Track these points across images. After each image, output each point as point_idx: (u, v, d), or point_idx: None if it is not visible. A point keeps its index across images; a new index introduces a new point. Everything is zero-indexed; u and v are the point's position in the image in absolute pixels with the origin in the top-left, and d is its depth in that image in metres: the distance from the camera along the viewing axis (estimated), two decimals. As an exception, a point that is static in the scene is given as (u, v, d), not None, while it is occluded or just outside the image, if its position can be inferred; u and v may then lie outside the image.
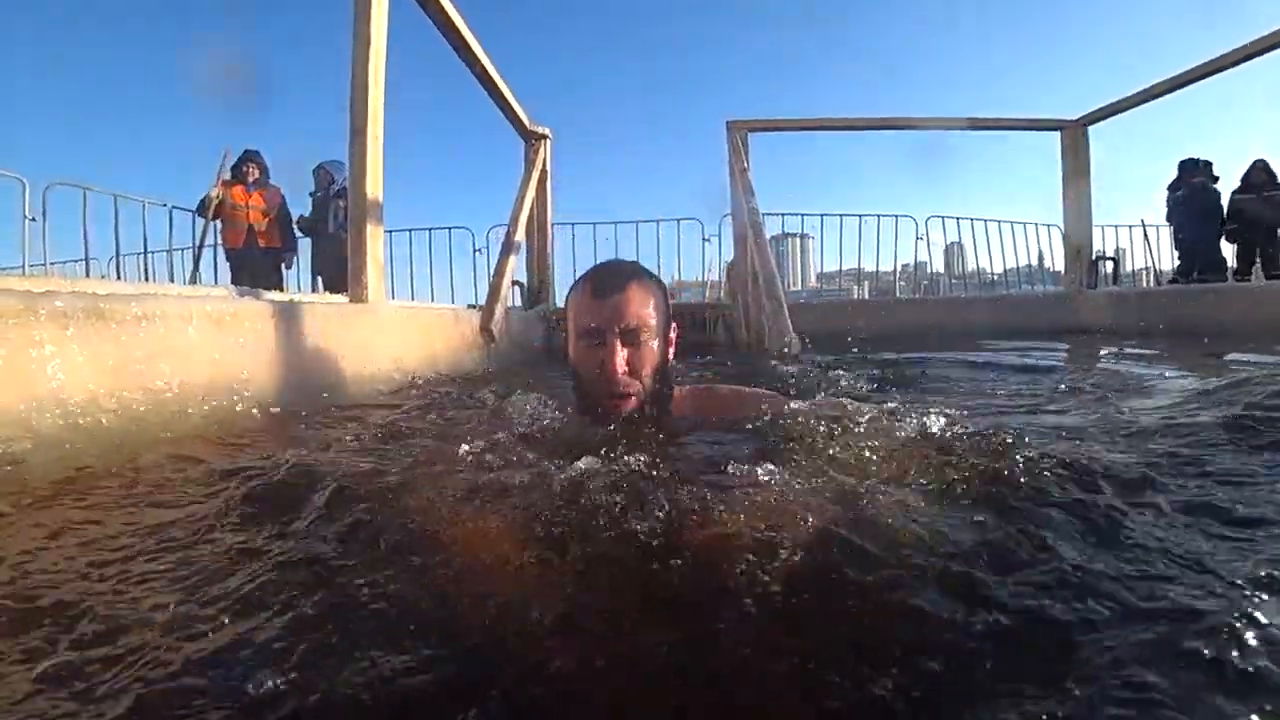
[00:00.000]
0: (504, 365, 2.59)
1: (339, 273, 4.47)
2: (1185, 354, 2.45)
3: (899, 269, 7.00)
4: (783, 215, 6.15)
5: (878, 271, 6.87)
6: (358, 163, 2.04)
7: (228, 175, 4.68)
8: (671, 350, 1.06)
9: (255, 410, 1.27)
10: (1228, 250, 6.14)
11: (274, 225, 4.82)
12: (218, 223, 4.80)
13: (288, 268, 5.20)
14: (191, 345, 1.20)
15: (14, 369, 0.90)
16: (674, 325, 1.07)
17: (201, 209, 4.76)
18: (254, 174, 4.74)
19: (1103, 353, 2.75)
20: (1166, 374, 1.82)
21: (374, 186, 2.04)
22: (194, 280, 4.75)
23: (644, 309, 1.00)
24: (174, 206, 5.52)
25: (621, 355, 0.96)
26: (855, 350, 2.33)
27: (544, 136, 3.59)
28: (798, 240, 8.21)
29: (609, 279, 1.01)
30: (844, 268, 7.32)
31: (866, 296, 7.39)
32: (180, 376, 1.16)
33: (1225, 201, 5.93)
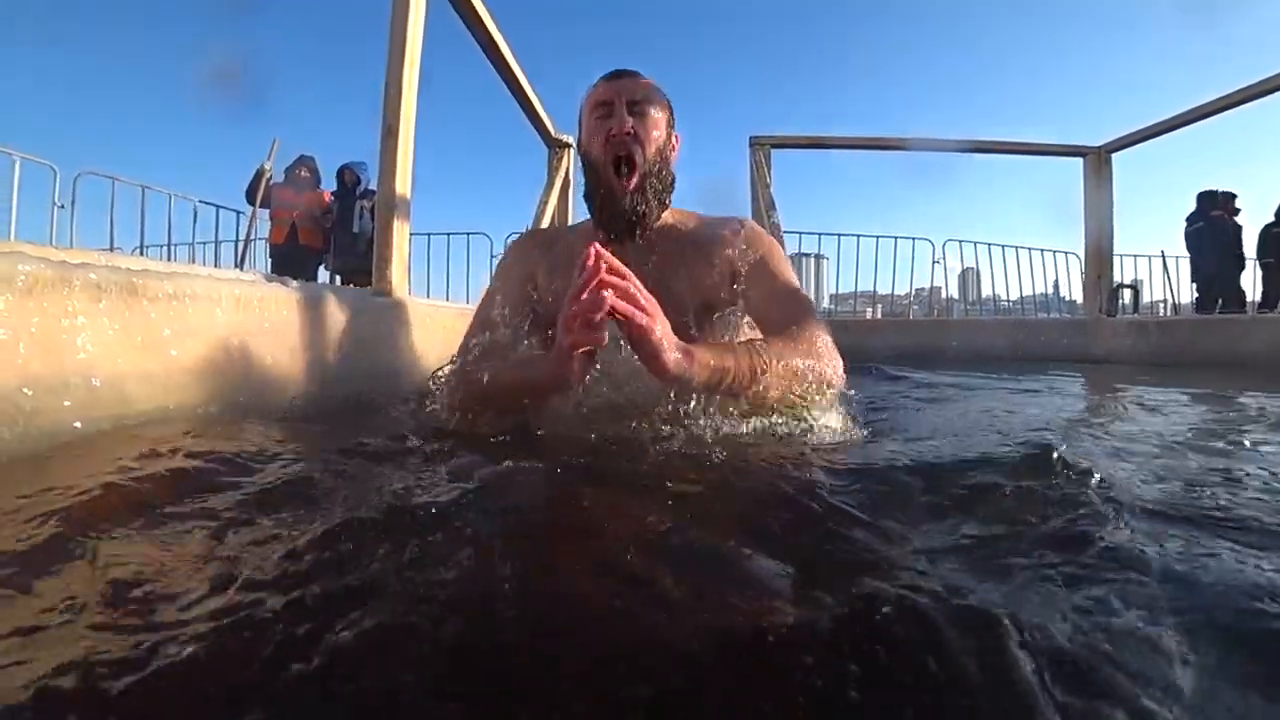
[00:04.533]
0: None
1: (358, 272, 4.52)
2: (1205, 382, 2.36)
3: (914, 293, 6.98)
4: (800, 234, 6.16)
5: (893, 295, 6.87)
6: (388, 161, 2.05)
7: (273, 166, 4.79)
8: (674, 157, 1.16)
9: (278, 395, 1.26)
10: (1246, 283, 6.09)
11: (316, 226, 4.91)
12: (265, 213, 4.90)
13: (326, 269, 5.29)
14: (219, 326, 1.19)
15: (45, 339, 0.89)
16: (676, 137, 1.17)
17: (251, 191, 4.84)
18: (304, 174, 4.86)
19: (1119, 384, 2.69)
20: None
21: (403, 184, 2.05)
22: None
23: (652, 92, 1.12)
24: (201, 200, 5.62)
25: (628, 120, 1.06)
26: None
27: (567, 145, 3.62)
28: (812, 260, 8.19)
29: (621, 69, 1.14)
30: (858, 290, 7.31)
31: (879, 318, 7.35)
32: (206, 357, 1.15)
33: (1249, 234, 5.89)
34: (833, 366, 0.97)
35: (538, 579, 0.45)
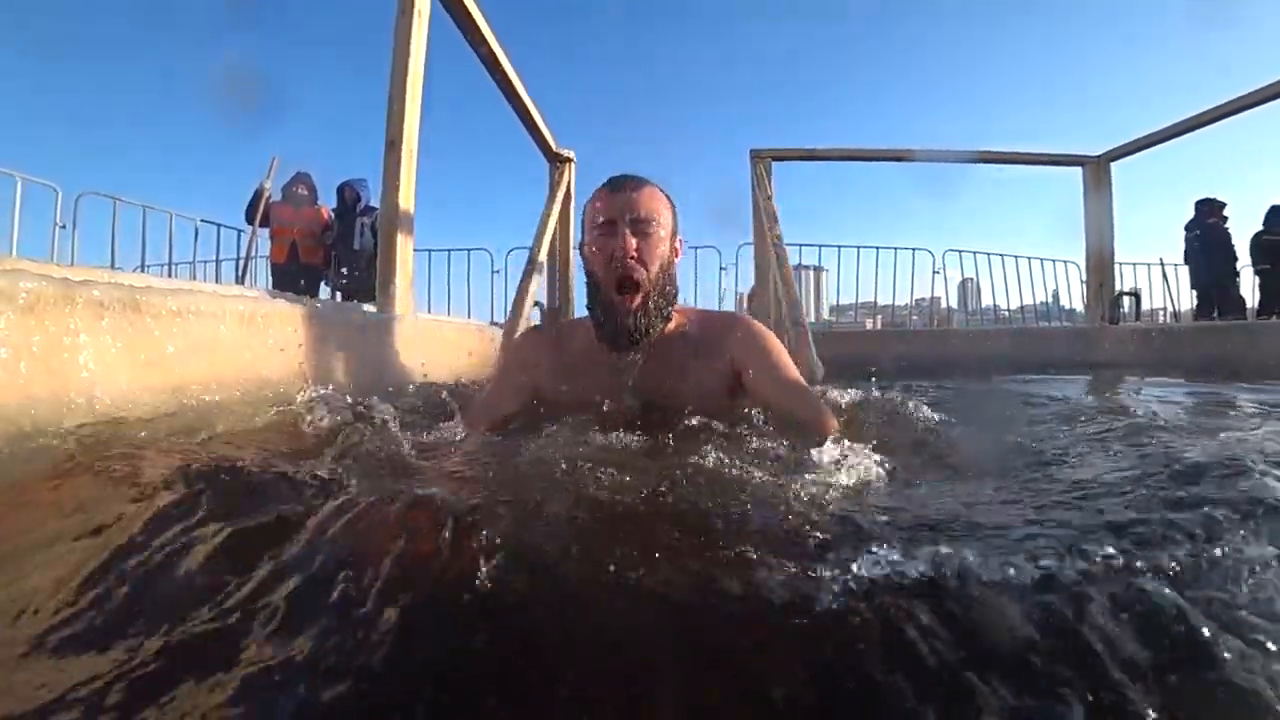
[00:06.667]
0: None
1: (360, 289, 4.52)
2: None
3: (913, 303, 6.97)
4: (800, 246, 6.16)
5: (893, 305, 6.85)
6: (391, 175, 2.05)
7: (272, 184, 4.80)
8: (677, 260, 1.16)
9: (284, 412, 1.23)
10: (1246, 289, 6.11)
11: (317, 243, 4.92)
12: (265, 232, 4.91)
13: (328, 285, 5.29)
14: (223, 343, 1.17)
15: (47, 357, 0.87)
16: (680, 240, 1.16)
17: (250, 210, 4.85)
18: (302, 191, 4.88)
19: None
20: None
21: (406, 199, 2.05)
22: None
23: (654, 205, 1.09)
24: (202, 219, 5.63)
25: (632, 242, 1.05)
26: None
27: (568, 159, 3.63)
28: (811, 273, 8.21)
29: (624, 178, 1.11)
30: (859, 300, 7.31)
31: (880, 328, 7.35)
32: (211, 375, 1.12)
33: (1240, 241, 5.94)
34: None
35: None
